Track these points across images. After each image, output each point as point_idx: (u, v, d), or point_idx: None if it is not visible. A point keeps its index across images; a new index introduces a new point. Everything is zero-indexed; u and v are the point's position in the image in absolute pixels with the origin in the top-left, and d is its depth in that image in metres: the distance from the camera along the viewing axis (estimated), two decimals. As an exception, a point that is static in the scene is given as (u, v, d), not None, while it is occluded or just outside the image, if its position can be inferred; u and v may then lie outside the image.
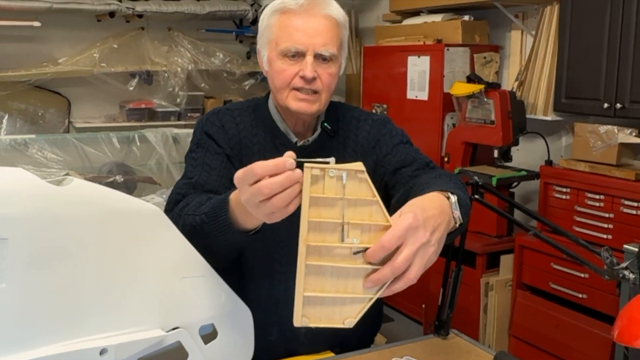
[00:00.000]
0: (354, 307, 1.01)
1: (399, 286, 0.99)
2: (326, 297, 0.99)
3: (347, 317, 1.01)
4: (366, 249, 0.98)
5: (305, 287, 0.98)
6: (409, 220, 0.97)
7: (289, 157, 1.00)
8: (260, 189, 0.99)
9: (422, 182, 1.33)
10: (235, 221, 1.19)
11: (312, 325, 1.00)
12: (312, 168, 0.97)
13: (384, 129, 1.60)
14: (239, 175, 1.03)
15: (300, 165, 0.99)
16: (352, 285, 1.00)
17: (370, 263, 0.99)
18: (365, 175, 0.99)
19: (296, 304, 0.99)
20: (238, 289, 1.28)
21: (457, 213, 1.16)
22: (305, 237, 0.97)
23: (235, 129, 1.55)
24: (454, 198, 1.16)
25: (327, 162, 0.98)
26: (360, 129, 1.60)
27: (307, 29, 1.42)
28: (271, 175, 0.99)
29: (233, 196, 1.18)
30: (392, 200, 1.44)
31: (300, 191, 0.98)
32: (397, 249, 0.97)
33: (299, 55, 1.43)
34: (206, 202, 1.28)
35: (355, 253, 0.98)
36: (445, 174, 1.42)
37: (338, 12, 1.47)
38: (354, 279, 1.00)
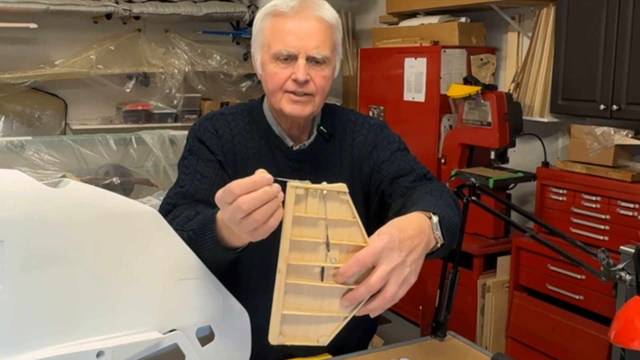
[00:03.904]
0: (328, 325, 1.04)
1: (376, 305, 1.02)
2: (302, 315, 1.02)
3: (322, 335, 1.04)
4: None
5: (283, 305, 1.00)
6: (385, 240, 1.00)
7: (262, 173, 1.01)
8: (239, 205, 0.99)
9: (413, 198, 1.35)
10: (222, 239, 1.19)
11: (288, 343, 1.02)
12: (296, 187, 0.98)
13: (381, 134, 1.59)
14: (218, 195, 1.03)
15: (277, 182, 1.01)
16: (327, 304, 1.02)
17: (344, 283, 1.01)
18: (347, 197, 1.00)
19: (273, 322, 1.00)
20: (234, 295, 1.28)
21: (438, 234, 1.17)
22: (287, 256, 0.99)
23: (229, 134, 1.54)
24: (435, 218, 1.18)
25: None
26: (357, 132, 1.59)
27: (299, 32, 1.41)
28: (249, 192, 1.00)
29: (219, 215, 1.18)
30: (390, 212, 1.43)
31: (279, 206, 1.00)
32: (373, 269, 1.00)
33: (291, 58, 1.42)
34: (194, 218, 1.28)
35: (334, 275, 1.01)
36: (439, 189, 1.41)
37: (330, 14, 1.46)
38: (330, 298, 1.02)
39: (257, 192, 0.99)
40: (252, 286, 1.51)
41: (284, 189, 1.00)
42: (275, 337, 1.01)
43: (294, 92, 1.44)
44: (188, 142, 1.56)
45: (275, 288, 1.00)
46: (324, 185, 0.99)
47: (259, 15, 1.49)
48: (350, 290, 1.01)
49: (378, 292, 1.01)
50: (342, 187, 1.00)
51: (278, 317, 1.00)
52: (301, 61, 1.41)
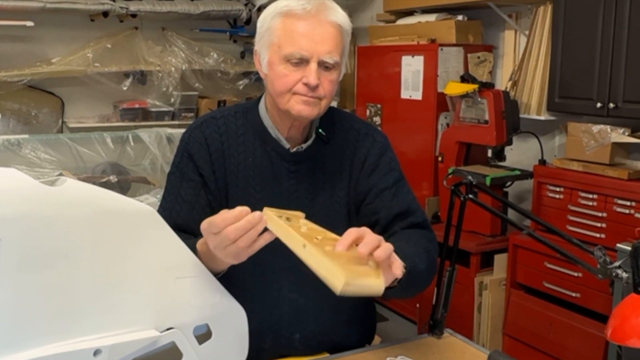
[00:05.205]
0: (371, 276, 1.08)
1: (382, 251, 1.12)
2: (350, 256, 1.07)
3: (374, 282, 1.08)
4: None
5: (331, 256, 1.04)
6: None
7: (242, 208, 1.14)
8: (227, 234, 1.13)
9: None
10: None
11: (353, 286, 1.02)
12: (270, 209, 1.15)
13: (384, 155, 1.58)
14: (204, 226, 1.17)
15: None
16: (354, 263, 1.09)
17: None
18: (306, 221, 1.18)
19: (332, 268, 1.02)
20: None
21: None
22: (300, 234, 1.09)
23: (219, 140, 1.52)
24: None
25: None
26: (360, 142, 1.57)
27: (313, 36, 1.39)
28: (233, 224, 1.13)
29: (199, 246, 1.27)
30: None
31: (261, 233, 1.14)
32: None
33: (302, 61, 1.39)
34: None
35: None
36: (416, 239, 1.46)
37: (344, 19, 1.44)
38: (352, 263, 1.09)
39: (242, 221, 1.12)
40: (248, 290, 1.51)
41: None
42: (339, 281, 1.00)
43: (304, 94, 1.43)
44: (178, 152, 1.56)
45: (311, 255, 1.06)
46: (287, 212, 1.18)
47: (267, 13, 1.46)
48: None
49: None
50: (301, 215, 1.20)
51: (334, 263, 1.02)
52: (313, 65, 1.39)
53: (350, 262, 1.07)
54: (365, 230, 1.14)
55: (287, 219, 1.16)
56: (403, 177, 1.60)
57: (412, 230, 1.51)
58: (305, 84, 1.40)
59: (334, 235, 1.16)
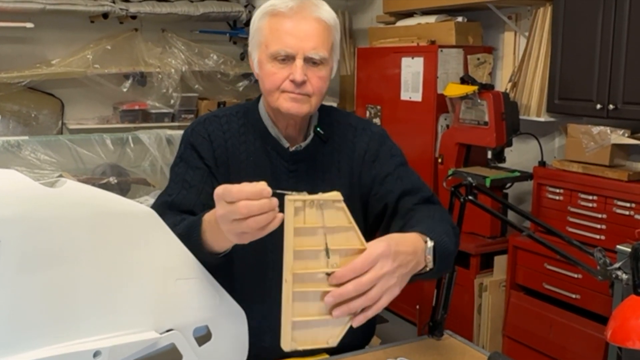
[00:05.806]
0: (335, 328, 1.07)
1: (358, 304, 1.05)
2: (311, 320, 1.05)
3: (330, 337, 1.07)
4: None
5: (292, 313, 1.03)
6: (381, 248, 1.07)
7: (264, 187, 1.06)
8: (238, 207, 1.05)
9: (415, 219, 1.40)
10: (206, 242, 1.25)
11: (300, 348, 1.04)
12: (294, 200, 1.03)
13: (383, 145, 1.59)
14: (218, 191, 1.09)
15: (275, 195, 1.06)
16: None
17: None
18: (342, 204, 1.06)
19: (284, 330, 1.04)
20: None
21: (429, 258, 1.23)
22: (292, 266, 1.03)
23: (222, 138, 1.54)
24: (430, 243, 1.23)
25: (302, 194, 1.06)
26: (357, 137, 1.58)
27: (297, 32, 1.41)
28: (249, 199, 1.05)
29: (206, 217, 1.24)
30: (390, 230, 1.44)
31: (273, 219, 1.06)
32: None
33: (288, 58, 1.42)
34: (180, 223, 1.32)
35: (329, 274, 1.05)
36: (440, 215, 1.44)
37: (329, 15, 1.46)
38: None
39: (260, 201, 1.05)
40: (248, 288, 1.51)
41: (282, 199, 1.05)
42: (287, 343, 1.04)
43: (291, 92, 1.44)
44: (181, 146, 1.57)
45: (283, 297, 1.04)
46: (320, 195, 1.06)
47: (257, 14, 1.49)
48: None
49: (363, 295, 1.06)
50: (337, 195, 1.07)
51: (288, 324, 1.04)
52: (299, 62, 1.41)
53: (320, 312, 1.06)
54: (362, 268, 1.05)
55: (320, 204, 1.05)
56: (406, 162, 1.60)
57: (431, 206, 1.50)
58: (292, 81, 1.41)
59: (356, 244, 1.07)
